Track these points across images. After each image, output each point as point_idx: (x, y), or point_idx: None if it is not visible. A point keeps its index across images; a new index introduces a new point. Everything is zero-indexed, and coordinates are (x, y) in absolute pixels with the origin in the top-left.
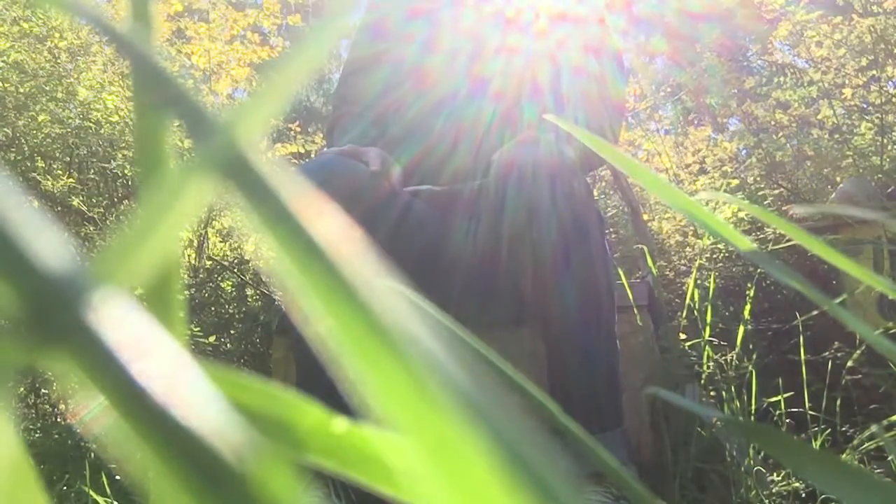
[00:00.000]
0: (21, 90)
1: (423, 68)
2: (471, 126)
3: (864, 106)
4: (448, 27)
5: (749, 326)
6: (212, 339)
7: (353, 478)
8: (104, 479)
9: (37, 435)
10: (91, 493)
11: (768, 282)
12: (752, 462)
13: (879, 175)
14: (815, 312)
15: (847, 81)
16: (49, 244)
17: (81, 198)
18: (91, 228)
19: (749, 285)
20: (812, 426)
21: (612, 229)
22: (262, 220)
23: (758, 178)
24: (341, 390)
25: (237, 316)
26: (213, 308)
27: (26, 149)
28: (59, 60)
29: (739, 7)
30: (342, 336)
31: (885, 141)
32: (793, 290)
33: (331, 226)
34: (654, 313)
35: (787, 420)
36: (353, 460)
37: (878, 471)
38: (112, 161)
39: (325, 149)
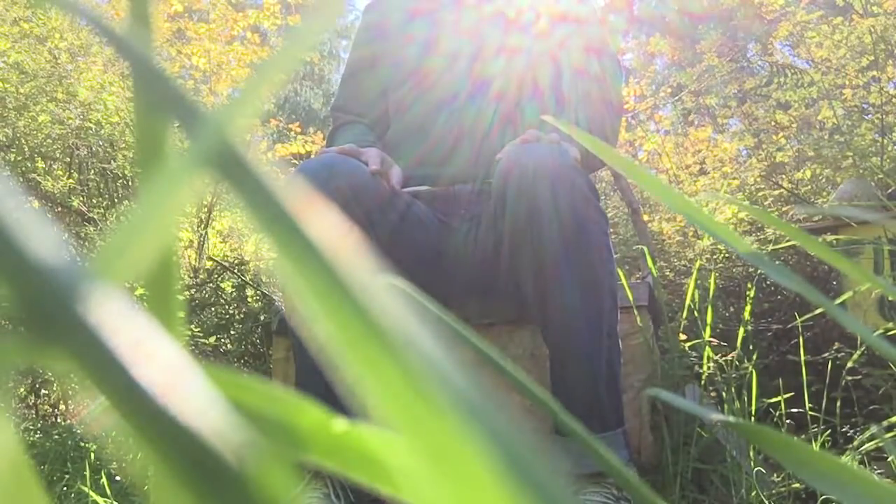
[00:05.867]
0: (21, 91)
1: (423, 69)
2: (471, 127)
3: (865, 106)
4: (449, 28)
5: (749, 327)
6: (212, 339)
7: (352, 478)
8: (104, 479)
9: (37, 435)
10: (91, 493)
11: (768, 282)
12: (752, 463)
13: (879, 175)
14: (815, 313)
15: (847, 82)
16: (49, 244)
17: (81, 198)
18: (91, 229)
19: (749, 286)
20: (812, 427)
21: (612, 230)
22: (260, 221)
23: (758, 179)
24: (340, 391)
25: (237, 316)
26: (213, 308)
27: (26, 149)
28: (59, 61)
29: (739, 7)
30: (341, 337)
31: (885, 141)
32: (793, 290)
33: (330, 226)
34: (654, 314)
35: (788, 421)
36: (353, 460)
37: (878, 471)
38: (112, 162)
39: (325, 148)
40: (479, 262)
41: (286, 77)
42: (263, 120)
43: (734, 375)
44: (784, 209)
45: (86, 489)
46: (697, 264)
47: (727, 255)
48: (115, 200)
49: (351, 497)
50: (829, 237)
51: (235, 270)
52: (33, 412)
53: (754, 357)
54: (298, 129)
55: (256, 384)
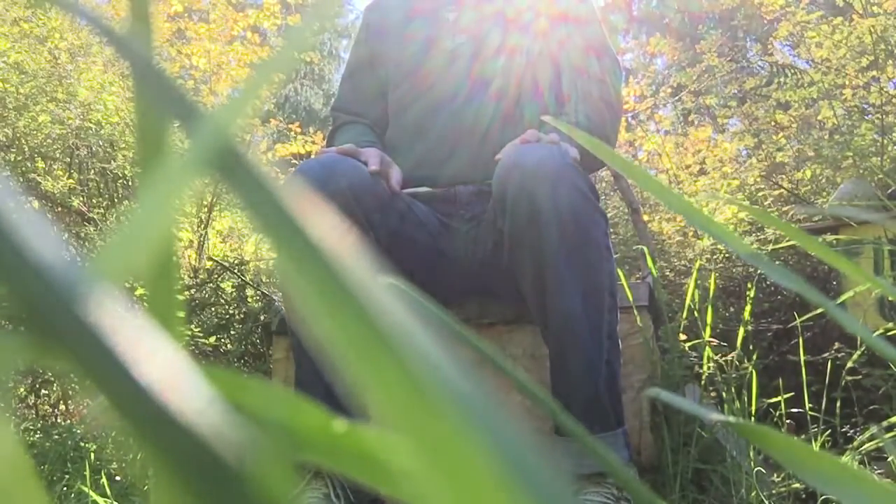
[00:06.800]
0: (21, 91)
1: (423, 69)
2: (471, 127)
3: (865, 106)
4: (448, 27)
5: (749, 327)
6: (212, 339)
7: (352, 478)
8: (104, 479)
9: (37, 435)
10: (91, 493)
11: (768, 282)
12: (752, 463)
13: (879, 175)
14: (815, 313)
15: (847, 82)
16: (49, 244)
17: (81, 198)
18: (91, 229)
19: (749, 286)
20: (812, 427)
21: (612, 230)
22: (260, 221)
23: (758, 179)
24: (340, 391)
25: (237, 316)
26: (213, 308)
27: (27, 149)
28: (59, 61)
29: (739, 7)
30: (341, 337)
31: (885, 141)
32: (793, 290)
33: (329, 226)
34: (654, 314)
35: (788, 421)
36: (353, 460)
37: (878, 471)
38: (112, 162)
39: (324, 148)
40: (479, 262)
41: (286, 77)
42: (263, 120)
43: (734, 375)
44: (784, 209)
45: (86, 489)
46: (697, 264)
47: (727, 255)
48: (115, 200)
49: (351, 497)
50: (829, 237)
51: (235, 270)
52: (33, 412)
53: (754, 357)
54: (298, 129)
55: (256, 384)
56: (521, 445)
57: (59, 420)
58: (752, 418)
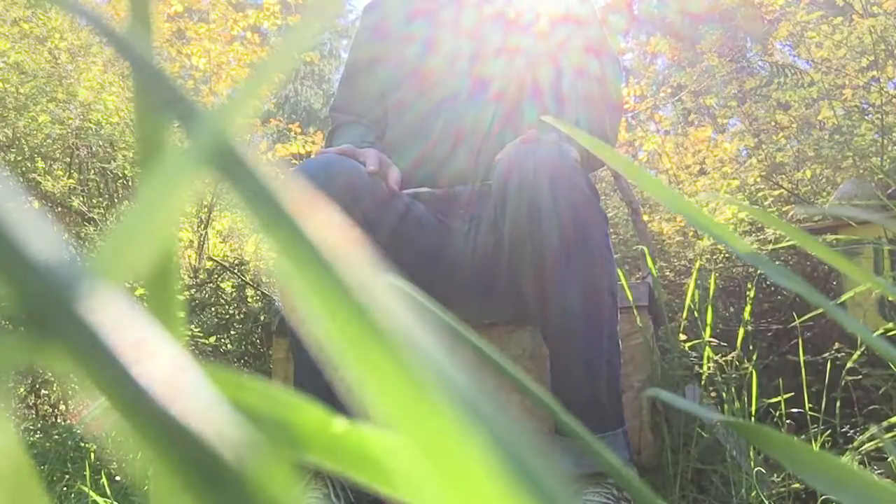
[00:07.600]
0: (21, 91)
1: (423, 69)
2: (471, 127)
3: (865, 106)
4: (449, 28)
5: (749, 327)
6: (212, 339)
7: (352, 478)
8: (104, 479)
9: (37, 435)
10: (91, 493)
11: (768, 282)
12: (752, 463)
13: (879, 175)
14: (815, 313)
15: (847, 82)
16: (49, 244)
17: (81, 198)
18: (91, 229)
19: (749, 286)
20: (812, 427)
21: (612, 230)
22: (260, 221)
23: (758, 179)
24: (340, 390)
25: (237, 316)
26: (213, 308)
27: (27, 149)
28: (59, 61)
29: (739, 7)
30: (341, 337)
31: (885, 141)
32: (793, 290)
33: (330, 226)
34: (654, 314)
35: (788, 421)
36: (353, 460)
37: (878, 471)
38: (112, 162)
39: (324, 149)
40: (479, 263)
41: (286, 77)
42: (263, 120)
43: (734, 375)
44: (784, 209)
45: (86, 489)
46: (697, 264)
47: (727, 255)
48: (115, 200)
49: (351, 497)
50: (829, 237)
51: (235, 270)
52: (33, 412)
53: (754, 357)
54: (298, 129)
55: (256, 384)
56: (521, 445)
57: (59, 420)
58: (752, 418)
